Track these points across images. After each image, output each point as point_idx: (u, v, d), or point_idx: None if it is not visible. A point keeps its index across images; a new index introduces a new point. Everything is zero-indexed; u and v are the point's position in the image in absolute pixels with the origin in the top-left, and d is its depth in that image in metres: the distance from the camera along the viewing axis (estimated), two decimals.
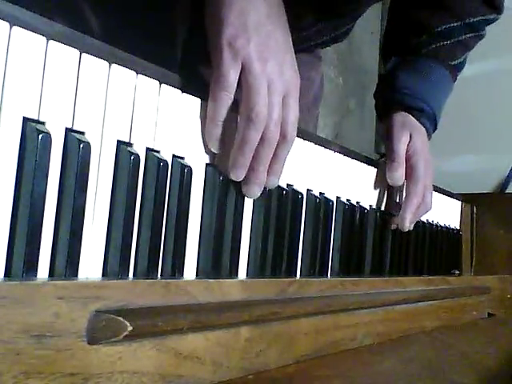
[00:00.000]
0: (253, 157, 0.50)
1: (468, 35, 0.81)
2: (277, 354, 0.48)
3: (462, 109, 1.98)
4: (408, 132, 0.77)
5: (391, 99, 0.81)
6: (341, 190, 0.70)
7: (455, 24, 0.80)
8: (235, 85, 0.48)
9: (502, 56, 1.88)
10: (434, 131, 0.83)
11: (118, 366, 0.34)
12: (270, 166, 0.51)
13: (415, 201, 0.77)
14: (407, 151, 0.77)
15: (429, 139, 0.82)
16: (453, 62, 0.82)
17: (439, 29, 0.79)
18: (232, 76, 0.47)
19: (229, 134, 0.49)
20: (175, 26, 0.69)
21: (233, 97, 0.48)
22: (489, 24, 0.82)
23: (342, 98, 2.21)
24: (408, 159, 0.77)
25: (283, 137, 0.50)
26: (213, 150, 0.49)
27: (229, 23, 0.48)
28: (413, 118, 0.79)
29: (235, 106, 0.49)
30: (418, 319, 0.75)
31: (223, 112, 0.48)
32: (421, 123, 0.79)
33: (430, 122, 0.81)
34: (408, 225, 0.78)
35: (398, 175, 0.75)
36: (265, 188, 0.53)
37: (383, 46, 0.89)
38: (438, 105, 0.81)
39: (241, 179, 0.51)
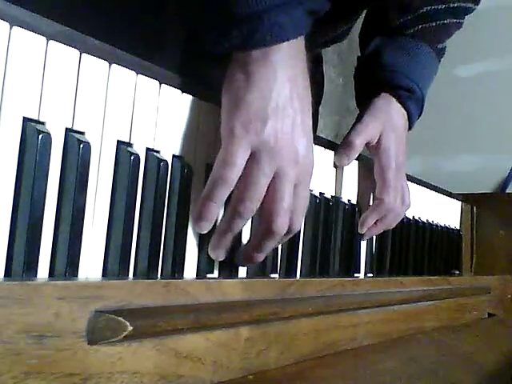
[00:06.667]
0: (256, 244, 0.49)
1: (451, 20, 0.78)
2: (277, 353, 0.48)
3: (462, 109, 1.98)
4: (380, 126, 0.71)
5: (377, 78, 0.74)
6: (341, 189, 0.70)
7: (439, 7, 0.76)
8: (241, 169, 0.45)
9: (502, 56, 1.88)
10: (419, 117, 0.77)
11: (117, 366, 0.34)
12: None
13: (382, 208, 0.71)
14: (376, 148, 0.72)
15: (411, 127, 0.76)
16: (439, 46, 0.79)
17: (424, 10, 0.76)
18: (239, 160, 0.45)
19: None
20: (175, 27, 0.69)
21: (235, 181, 0.45)
22: (467, 14, 0.80)
23: (342, 98, 2.21)
24: (376, 158, 0.72)
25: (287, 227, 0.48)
26: (199, 230, 0.47)
27: (246, 105, 0.45)
28: (397, 104, 0.73)
29: None
30: (418, 319, 0.75)
31: (221, 195, 0.45)
32: (406, 108, 0.73)
33: (418, 106, 0.75)
34: (365, 231, 0.72)
35: (342, 164, 0.70)
36: None
37: (362, 29, 0.84)
38: (426, 87, 0.76)
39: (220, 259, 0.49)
